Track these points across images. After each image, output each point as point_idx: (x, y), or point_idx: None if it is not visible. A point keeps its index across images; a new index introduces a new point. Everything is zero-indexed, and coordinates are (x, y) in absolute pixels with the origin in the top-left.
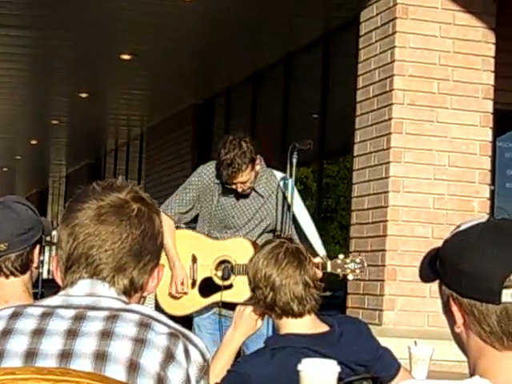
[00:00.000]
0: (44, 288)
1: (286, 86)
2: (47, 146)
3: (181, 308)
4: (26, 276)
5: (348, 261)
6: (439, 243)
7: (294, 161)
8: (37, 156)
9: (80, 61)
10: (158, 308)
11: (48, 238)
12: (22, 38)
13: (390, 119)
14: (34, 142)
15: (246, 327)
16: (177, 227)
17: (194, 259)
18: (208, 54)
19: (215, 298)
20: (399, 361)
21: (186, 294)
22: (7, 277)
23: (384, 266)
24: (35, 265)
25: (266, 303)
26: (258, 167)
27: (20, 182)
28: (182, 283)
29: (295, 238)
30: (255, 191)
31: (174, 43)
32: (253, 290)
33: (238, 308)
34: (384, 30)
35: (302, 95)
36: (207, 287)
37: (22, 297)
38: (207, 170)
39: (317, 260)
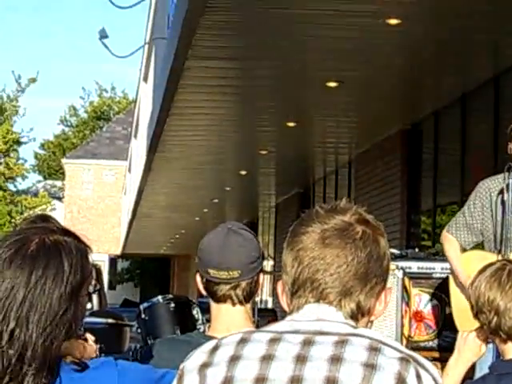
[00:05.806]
0: (260, 317)
1: (496, 106)
2: (256, 176)
3: None
4: (249, 304)
5: None
6: None
7: (511, 181)
8: (246, 186)
9: (286, 90)
10: None
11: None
12: (227, 69)
13: None
14: (243, 172)
15: (470, 353)
16: (464, 250)
17: None
18: (413, 77)
19: None
20: None
21: None
22: (234, 304)
23: None
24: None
25: (490, 328)
26: None
27: (230, 212)
28: None
29: None
30: None
31: (379, 68)
32: (476, 315)
33: (460, 333)
34: None
35: None
36: None
37: (244, 325)
38: (483, 184)
39: None
